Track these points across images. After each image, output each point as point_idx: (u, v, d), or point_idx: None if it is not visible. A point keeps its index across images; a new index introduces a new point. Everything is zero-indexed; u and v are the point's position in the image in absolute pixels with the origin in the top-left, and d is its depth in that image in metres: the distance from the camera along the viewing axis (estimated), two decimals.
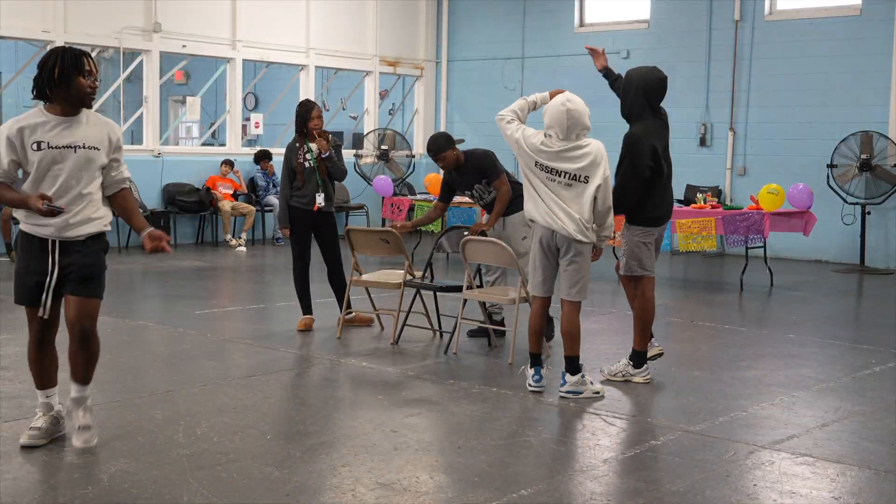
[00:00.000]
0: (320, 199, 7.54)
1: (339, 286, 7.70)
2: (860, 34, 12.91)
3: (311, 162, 7.55)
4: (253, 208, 14.16)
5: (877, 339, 7.83)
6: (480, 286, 7.29)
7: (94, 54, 15.08)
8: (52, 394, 4.81)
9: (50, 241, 4.52)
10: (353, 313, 7.76)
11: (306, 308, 7.72)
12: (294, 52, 15.40)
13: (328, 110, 17.59)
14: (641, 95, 6.16)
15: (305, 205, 7.54)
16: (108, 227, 4.76)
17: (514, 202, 6.98)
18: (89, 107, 4.61)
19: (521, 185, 6.31)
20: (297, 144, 7.64)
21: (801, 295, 10.35)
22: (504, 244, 6.67)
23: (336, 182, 7.76)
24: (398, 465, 4.56)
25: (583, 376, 5.82)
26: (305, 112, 7.69)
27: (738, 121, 13.98)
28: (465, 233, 7.11)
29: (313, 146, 7.57)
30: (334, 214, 7.79)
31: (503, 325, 7.46)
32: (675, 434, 5.11)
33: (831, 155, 12.61)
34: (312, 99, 7.80)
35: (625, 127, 6.24)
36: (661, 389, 6.10)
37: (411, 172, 15.90)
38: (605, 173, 5.72)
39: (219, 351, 7.07)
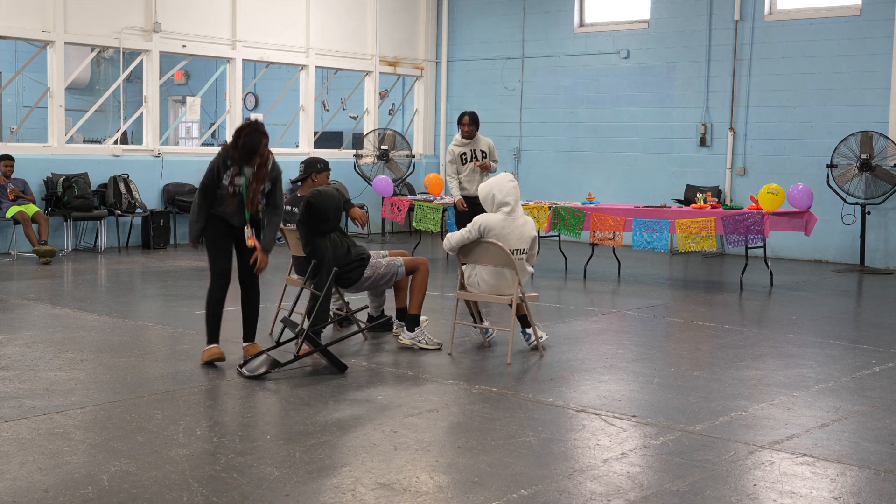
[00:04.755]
0: (248, 233, 6.42)
1: (254, 310, 6.68)
2: (860, 34, 12.90)
3: (240, 188, 6.33)
4: None
5: (877, 339, 7.83)
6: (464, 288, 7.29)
7: (93, 54, 15.10)
8: None
9: None
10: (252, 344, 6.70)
11: (215, 336, 6.54)
12: (294, 52, 15.40)
13: (328, 110, 17.61)
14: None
15: (229, 216, 6.43)
16: None
17: None
18: None
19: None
20: (230, 162, 6.31)
21: (801, 295, 10.35)
22: (502, 244, 6.68)
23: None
24: (398, 465, 4.57)
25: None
26: (255, 144, 6.22)
27: (738, 121, 13.98)
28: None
29: (247, 171, 6.32)
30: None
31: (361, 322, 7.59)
32: (675, 434, 5.11)
33: (831, 155, 12.61)
34: (259, 121, 6.50)
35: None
36: (661, 389, 6.10)
37: (411, 172, 15.91)
38: None
39: None
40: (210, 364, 6.47)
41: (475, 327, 7.40)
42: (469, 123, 10.33)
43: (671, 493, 4.25)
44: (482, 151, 10.39)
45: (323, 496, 4.17)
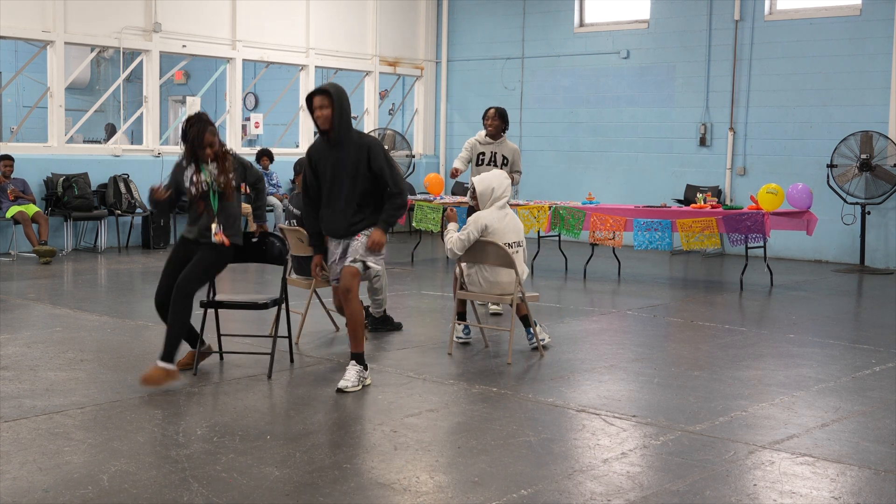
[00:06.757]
0: (216, 229, 6.26)
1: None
2: (860, 34, 12.90)
3: (206, 183, 6.23)
4: None
5: (877, 339, 7.83)
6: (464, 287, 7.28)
7: (93, 54, 15.10)
8: None
9: None
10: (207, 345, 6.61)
11: (192, 340, 6.50)
12: (294, 52, 15.40)
13: None
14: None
15: (195, 237, 6.36)
16: None
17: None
18: None
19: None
20: (185, 163, 6.26)
21: (801, 295, 10.35)
22: (499, 243, 6.69)
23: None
24: (398, 465, 4.57)
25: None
26: (202, 133, 6.12)
27: (738, 121, 13.98)
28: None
29: (210, 167, 6.25)
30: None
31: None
32: (675, 434, 5.11)
33: (831, 155, 12.61)
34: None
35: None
36: (661, 389, 6.10)
37: (411, 172, 15.90)
38: None
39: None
40: (187, 369, 6.28)
41: (458, 333, 7.35)
42: (494, 118, 8.84)
43: (671, 493, 4.25)
44: (504, 157, 8.87)
45: (323, 496, 4.17)
